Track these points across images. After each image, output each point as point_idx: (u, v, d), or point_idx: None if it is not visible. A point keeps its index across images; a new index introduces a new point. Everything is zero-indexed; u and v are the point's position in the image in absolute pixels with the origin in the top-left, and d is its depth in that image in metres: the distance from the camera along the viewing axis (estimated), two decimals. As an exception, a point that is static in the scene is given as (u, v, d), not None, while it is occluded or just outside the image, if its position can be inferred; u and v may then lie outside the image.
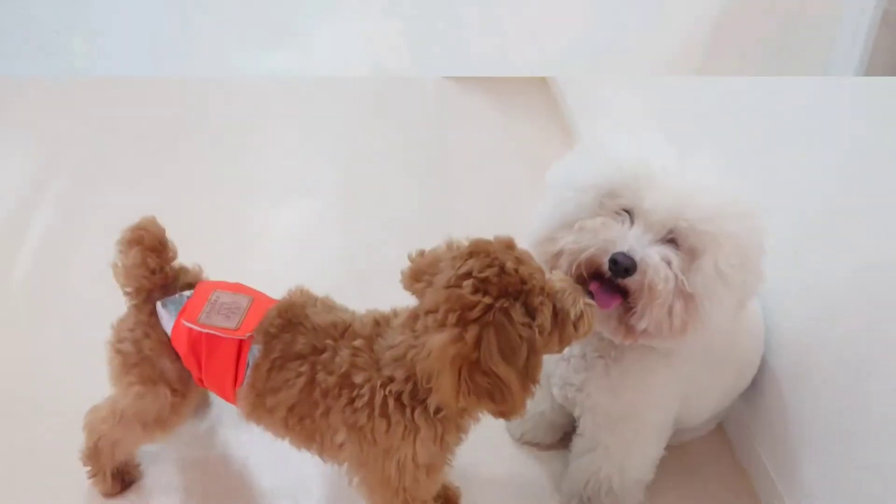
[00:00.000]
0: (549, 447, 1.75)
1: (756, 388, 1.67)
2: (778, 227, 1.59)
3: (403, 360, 1.15)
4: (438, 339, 1.04)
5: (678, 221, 1.19)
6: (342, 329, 1.26)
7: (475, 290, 1.04)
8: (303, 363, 1.24)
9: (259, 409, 1.30)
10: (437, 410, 1.18)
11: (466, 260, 1.08)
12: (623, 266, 1.16)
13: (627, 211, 1.25)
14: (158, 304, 1.35)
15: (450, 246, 1.16)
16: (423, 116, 3.23)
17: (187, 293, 1.37)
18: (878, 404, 1.31)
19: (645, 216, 1.21)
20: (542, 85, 3.45)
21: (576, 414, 1.53)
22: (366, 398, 1.18)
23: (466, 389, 1.04)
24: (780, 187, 1.63)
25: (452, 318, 1.04)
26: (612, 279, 1.21)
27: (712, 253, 1.19)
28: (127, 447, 1.51)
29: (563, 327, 1.12)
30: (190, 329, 1.31)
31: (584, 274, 1.24)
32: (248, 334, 1.29)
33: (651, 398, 1.43)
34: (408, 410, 1.18)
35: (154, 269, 1.34)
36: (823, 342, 1.47)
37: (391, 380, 1.17)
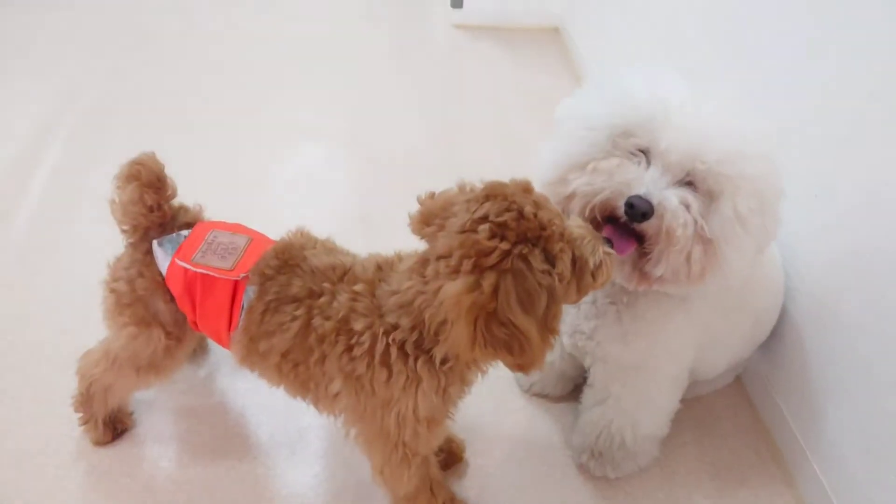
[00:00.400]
0: (559, 399, 1.68)
1: (775, 338, 1.59)
2: (796, 167, 1.52)
3: (410, 308, 1.06)
4: (453, 287, 0.96)
5: (696, 163, 1.10)
6: (341, 272, 1.18)
7: (492, 235, 0.96)
8: (298, 307, 1.16)
9: (252, 354, 1.23)
10: (444, 361, 1.10)
11: (482, 203, 0.99)
12: (640, 210, 1.08)
13: (643, 151, 1.16)
14: (154, 242, 1.28)
15: (462, 188, 1.07)
16: (434, 64, 3.14)
17: (185, 232, 1.30)
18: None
19: (662, 157, 1.12)
20: (553, 34, 3.33)
21: (586, 363, 1.45)
22: (366, 346, 1.10)
23: (483, 341, 0.96)
24: (798, 125, 1.53)
25: (467, 265, 0.96)
26: (627, 223, 1.13)
27: (731, 196, 1.11)
28: (120, 392, 1.44)
29: (580, 276, 1.04)
30: (185, 269, 1.24)
31: (598, 217, 1.16)
32: (242, 275, 1.22)
33: (665, 347, 1.35)
34: (411, 360, 1.09)
35: (151, 207, 1.27)
36: (847, 285, 1.39)
37: (395, 327, 1.09)
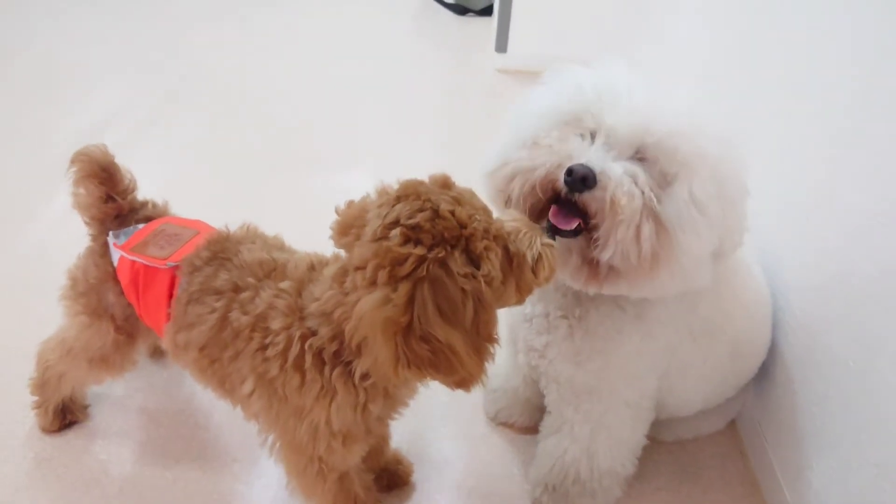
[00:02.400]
0: (526, 430, 1.56)
1: (766, 378, 1.43)
2: (785, 188, 1.40)
3: (330, 317, 0.99)
4: (367, 303, 0.87)
5: (645, 137, 1.01)
6: (270, 268, 1.12)
7: (405, 240, 0.86)
8: (219, 299, 1.11)
9: (177, 347, 1.18)
10: (364, 377, 1.01)
11: (394, 206, 0.90)
12: (579, 175, 0.97)
13: (591, 134, 1.07)
14: (110, 234, 1.28)
15: (380, 192, 0.98)
16: (475, 108, 3.13)
17: (141, 225, 1.29)
18: (891, 390, 1.06)
19: (608, 133, 1.03)
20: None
21: (541, 386, 1.34)
22: (280, 346, 1.03)
23: (406, 360, 0.87)
24: (796, 149, 1.41)
25: (383, 276, 0.86)
26: (570, 198, 1.01)
27: (686, 177, 1.00)
28: (72, 382, 1.44)
29: (520, 273, 0.94)
30: (132, 261, 1.23)
31: (541, 195, 1.05)
32: (170, 263, 1.19)
33: (620, 367, 1.22)
34: (326, 369, 1.01)
35: (103, 198, 1.27)
36: (835, 318, 1.22)
37: (313, 333, 1.02)
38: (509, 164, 1.09)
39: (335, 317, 0.98)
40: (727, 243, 1.08)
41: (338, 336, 0.99)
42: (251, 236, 1.24)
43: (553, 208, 1.05)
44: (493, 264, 0.89)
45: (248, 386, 1.10)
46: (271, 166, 2.59)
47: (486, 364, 0.93)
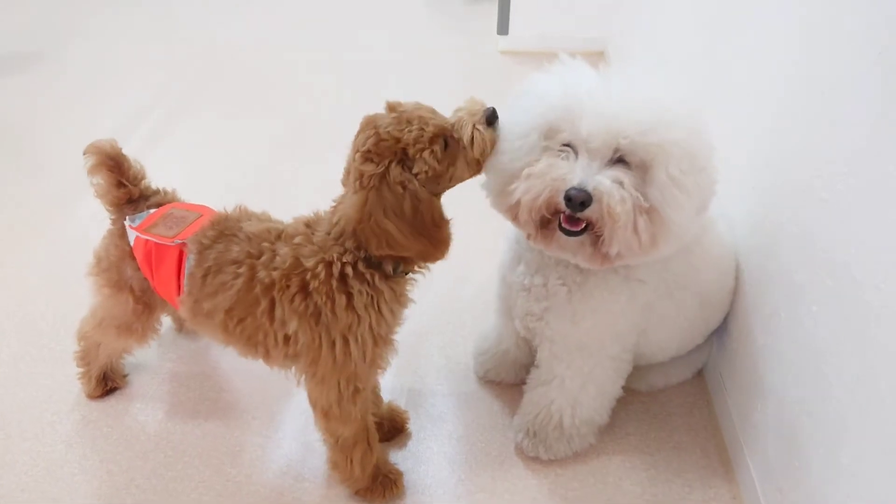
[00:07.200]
0: (512, 386, 1.70)
1: (726, 331, 1.55)
2: (737, 153, 1.51)
3: (349, 231, 1.21)
4: (345, 203, 1.20)
5: (619, 140, 1.13)
6: (277, 234, 1.29)
7: (364, 161, 1.16)
8: (240, 266, 1.26)
9: (198, 314, 1.33)
10: (395, 267, 1.25)
11: (357, 137, 1.20)
12: (578, 200, 1.12)
13: (569, 145, 1.19)
14: (127, 218, 1.44)
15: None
16: (480, 88, 3.22)
17: (153, 210, 1.45)
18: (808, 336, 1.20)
19: (586, 145, 1.15)
20: (599, 58, 3.38)
21: (535, 343, 1.47)
22: (322, 276, 1.20)
23: (366, 241, 1.18)
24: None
25: (356, 187, 1.17)
26: (573, 215, 1.16)
27: (662, 162, 1.13)
28: (108, 350, 1.61)
29: (464, 153, 1.21)
30: (146, 240, 1.39)
31: (548, 215, 1.20)
32: (177, 241, 1.34)
33: (609, 325, 1.36)
34: (368, 276, 1.22)
35: (115, 184, 1.43)
36: (771, 274, 1.34)
37: (344, 252, 1.21)
38: (512, 194, 1.21)
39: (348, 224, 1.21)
40: (705, 199, 1.21)
41: (361, 244, 1.21)
42: (247, 215, 1.39)
43: (562, 216, 1.19)
44: (426, 162, 1.16)
45: (291, 327, 1.25)
46: (289, 152, 2.74)
47: (449, 239, 1.23)
